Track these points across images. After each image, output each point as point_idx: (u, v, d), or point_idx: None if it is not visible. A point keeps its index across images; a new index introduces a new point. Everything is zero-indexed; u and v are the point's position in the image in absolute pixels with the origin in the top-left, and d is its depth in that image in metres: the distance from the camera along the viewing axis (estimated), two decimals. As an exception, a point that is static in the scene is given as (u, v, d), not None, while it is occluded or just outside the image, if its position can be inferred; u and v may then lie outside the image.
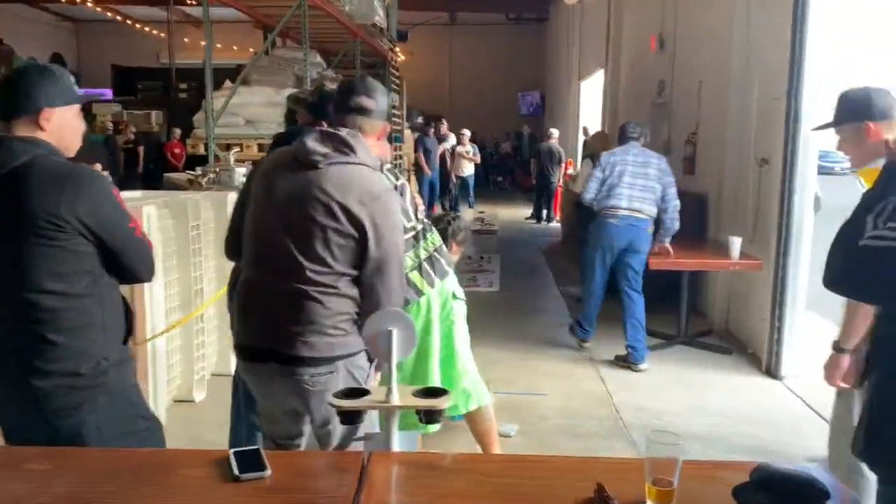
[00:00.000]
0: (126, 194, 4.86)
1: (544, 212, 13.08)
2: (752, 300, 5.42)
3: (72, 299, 1.93)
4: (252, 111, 6.54)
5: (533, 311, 6.74)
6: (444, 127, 13.84)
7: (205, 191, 4.87)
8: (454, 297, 3.04)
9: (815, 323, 5.25)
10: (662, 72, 8.08)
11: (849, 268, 1.59)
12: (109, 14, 17.26)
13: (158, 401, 3.77)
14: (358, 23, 8.13)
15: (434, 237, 3.00)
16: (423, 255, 2.89)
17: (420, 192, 12.74)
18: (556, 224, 12.24)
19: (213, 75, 6.57)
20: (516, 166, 19.62)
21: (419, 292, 2.88)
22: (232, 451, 1.76)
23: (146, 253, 2.05)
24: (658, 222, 5.17)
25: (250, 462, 1.72)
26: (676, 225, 5.14)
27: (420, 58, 21.03)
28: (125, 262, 2.00)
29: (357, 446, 2.12)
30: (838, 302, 2.37)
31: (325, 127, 2.26)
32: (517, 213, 14.30)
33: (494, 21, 21.73)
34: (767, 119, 5.15)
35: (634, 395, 4.52)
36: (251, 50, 13.19)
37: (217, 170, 5.20)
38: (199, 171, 5.49)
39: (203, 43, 14.82)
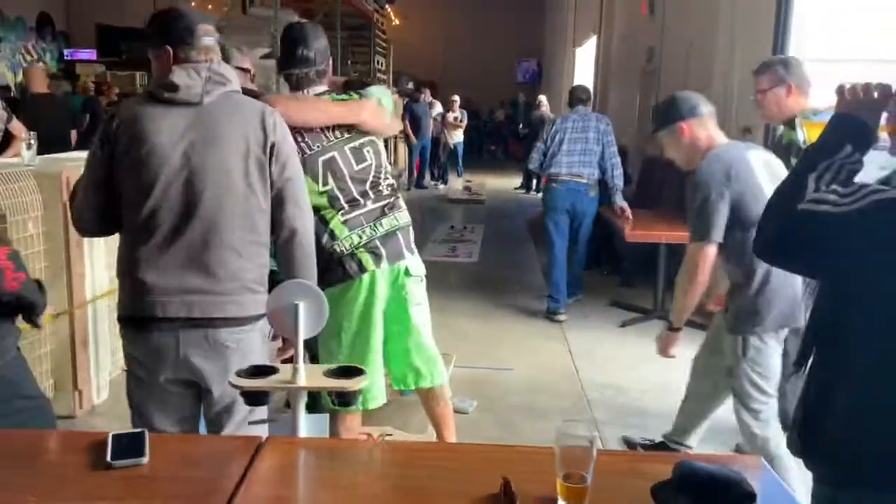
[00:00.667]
0: (75, 154, 4.69)
1: (534, 181, 12.86)
2: (732, 275, 5.26)
3: None
4: (222, 71, 6.30)
5: (509, 283, 6.57)
6: (427, 94, 13.46)
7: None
8: (407, 273, 2.78)
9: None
10: (652, 38, 7.84)
11: (784, 234, 1.39)
12: (98, -28, 16.81)
13: (100, 370, 3.63)
14: (338, -19, 7.87)
15: (401, 215, 2.77)
16: (379, 231, 2.68)
17: (409, 160, 12.54)
18: (545, 194, 12.05)
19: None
20: (510, 135, 19.34)
21: (362, 269, 2.65)
22: (111, 433, 1.60)
23: None
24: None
25: (129, 447, 1.56)
26: (620, 182, 5.47)
27: (415, 22, 20.58)
28: None
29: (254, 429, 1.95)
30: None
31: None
32: (507, 183, 14.08)
33: (492, -15, 21.29)
34: (750, 86, 4.93)
35: (603, 371, 4.37)
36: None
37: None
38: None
39: (193, 3, 14.43)
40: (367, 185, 2.64)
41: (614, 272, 6.48)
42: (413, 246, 2.80)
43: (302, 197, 2.14)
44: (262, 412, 1.83)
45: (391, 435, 3.31)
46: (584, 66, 13.47)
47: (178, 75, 1.98)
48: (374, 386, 2.74)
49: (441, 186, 13.40)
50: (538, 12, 21.30)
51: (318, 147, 2.54)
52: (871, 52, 4.18)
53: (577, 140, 5.41)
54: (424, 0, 20.96)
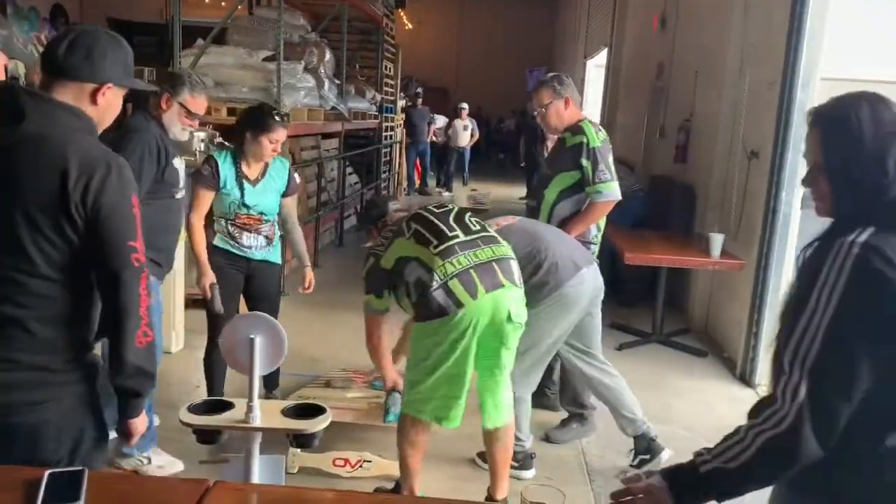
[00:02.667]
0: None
1: (536, 191, 12.81)
2: (732, 300, 5.13)
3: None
4: (223, 72, 6.19)
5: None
6: (419, 102, 13.29)
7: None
8: (509, 318, 2.68)
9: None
10: (662, 53, 7.71)
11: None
12: (112, -35, 16.72)
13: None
14: (347, -15, 7.76)
15: (498, 248, 2.78)
16: (474, 261, 2.66)
17: (408, 165, 12.48)
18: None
19: (206, 34, 6.31)
20: (518, 144, 19.23)
21: (459, 304, 2.59)
22: (48, 472, 1.49)
23: None
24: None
25: (64, 488, 1.45)
26: None
27: (429, 28, 20.56)
28: None
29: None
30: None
31: None
32: (512, 192, 13.96)
33: (506, -7, 21.25)
34: (759, 107, 4.82)
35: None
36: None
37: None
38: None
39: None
40: (451, 217, 2.79)
41: (616, 293, 6.34)
42: (513, 276, 2.75)
43: None
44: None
45: (370, 461, 3.20)
46: (594, 79, 13.36)
47: None
48: (457, 407, 2.72)
49: (445, 193, 13.32)
50: (549, 20, 21.22)
51: None
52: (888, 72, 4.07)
53: None
54: (437, 7, 20.92)
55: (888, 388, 1.30)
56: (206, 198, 3.38)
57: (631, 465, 3.39)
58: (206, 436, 1.67)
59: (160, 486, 1.53)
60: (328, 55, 7.65)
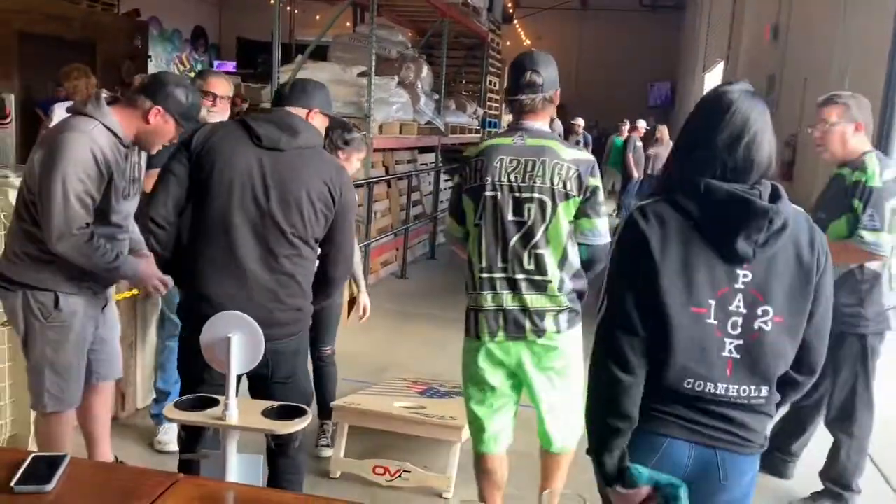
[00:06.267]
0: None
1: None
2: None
3: None
4: (319, 87, 6.42)
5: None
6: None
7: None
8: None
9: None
10: (773, 66, 7.33)
11: None
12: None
13: (146, 372, 3.71)
14: (447, 1, 7.85)
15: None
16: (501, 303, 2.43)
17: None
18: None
19: (316, 50, 6.69)
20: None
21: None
22: (32, 454, 1.59)
23: None
24: None
25: (40, 472, 1.54)
26: None
27: (548, 44, 20.44)
28: None
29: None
30: None
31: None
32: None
33: (628, 7, 20.81)
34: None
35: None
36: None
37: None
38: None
39: (318, 17, 14.82)
40: (514, 240, 2.44)
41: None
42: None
43: None
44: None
45: (409, 472, 3.19)
46: (712, 93, 12.87)
47: None
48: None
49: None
50: (672, 34, 20.62)
51: None
52: None
53: None
54: (557, 22, 20.81)
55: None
56: None
57: None
58: (190, 431, 1.72)
59: (133, 477, 1.59)
60: (425, 70, 7.77)
